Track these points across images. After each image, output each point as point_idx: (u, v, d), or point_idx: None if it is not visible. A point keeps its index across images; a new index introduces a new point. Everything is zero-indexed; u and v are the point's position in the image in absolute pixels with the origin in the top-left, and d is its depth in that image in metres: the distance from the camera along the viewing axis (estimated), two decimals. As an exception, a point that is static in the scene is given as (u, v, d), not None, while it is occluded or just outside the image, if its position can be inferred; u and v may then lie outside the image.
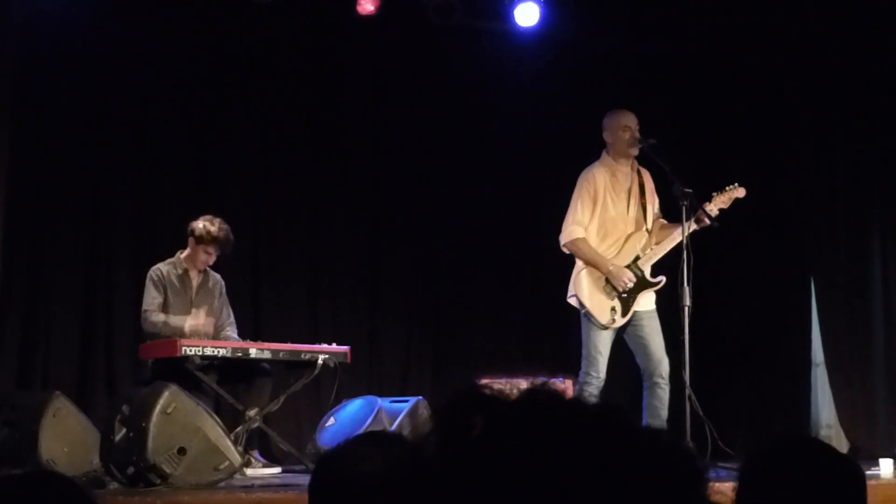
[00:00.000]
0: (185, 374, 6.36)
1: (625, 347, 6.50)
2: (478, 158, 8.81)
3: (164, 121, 8.13)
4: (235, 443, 5.93)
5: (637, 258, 6.51)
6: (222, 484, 5.50)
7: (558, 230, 6.54)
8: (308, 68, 8.49)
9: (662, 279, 6.52)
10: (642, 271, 6.50)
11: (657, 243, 6.56)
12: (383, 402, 7.24)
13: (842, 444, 7.69)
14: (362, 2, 8.08)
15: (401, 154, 8.79)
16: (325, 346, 6.97)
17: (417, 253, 8.90)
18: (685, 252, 6.28)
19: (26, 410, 6.28)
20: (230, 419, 6.52)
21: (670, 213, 6.59)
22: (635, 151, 6.49)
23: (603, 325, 6.38)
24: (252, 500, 5.05)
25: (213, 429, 5.53)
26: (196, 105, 8.25)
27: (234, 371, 6.91)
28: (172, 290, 6.98)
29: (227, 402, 6.81)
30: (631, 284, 6.41)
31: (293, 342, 6.93)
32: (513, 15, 8.32)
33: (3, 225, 7.15)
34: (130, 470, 5.35)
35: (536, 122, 9.00)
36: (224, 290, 7.26)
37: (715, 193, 6.50)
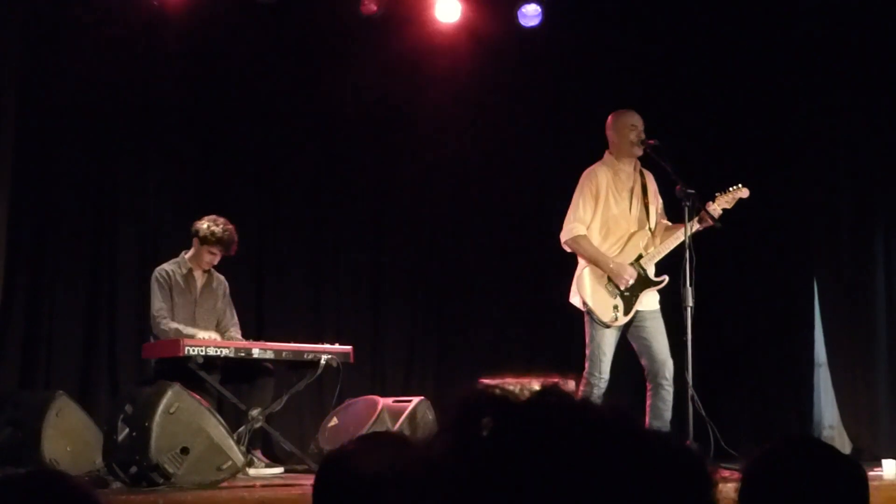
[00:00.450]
0: (188, 373, 6.36)
1: (627, 348, 6.49)
2: (481, 158, 8.81)
3: (167, 121, 8.14)
4: (238, 443, 5.93)
5: (640, 257, 6.50)
6: (225, 484, 5.51)
7: (560, 230, 6.54)
8: (311, 68, 8.49)
9: (665, 278, 6.52)
10: (645, 270, 6.49)
11: (660, 243, 6.55)
12: (386, 402, 7.24)
13: (844, 445, 7.69)
14: (366, 2, 8.09)
15: (404, 154, 8.79)
16: (327, 346, 6.98)
17: (420, 253, 8.91)
18: (688, 253, 6.28)
19: (29, 410, 6.29)
20: (233, 419, 6.52)
21: (673, 213, 6.59)
22: (639, 151, 6.49)
23: (605, 324, 6.37)
24: (254, 500, 5.05)
25: (216, 428, 5.53)
26: (199, 105, 8.26)
27: (237, 371, 6.91)
28: (177, 291, 6.99)
29: (229, 402, 6.81)
30: (632, 281, 6.41)
31: (296, 342, 6.94)
32: (515, 15, 8.32)
33: (6, 224, 7.16)
34: (133, 469, 5.35)
35: (539, 122, 9.00)
36: (228, 291, 7.27)
37: (718, 193, 6.49)
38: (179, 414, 5.43)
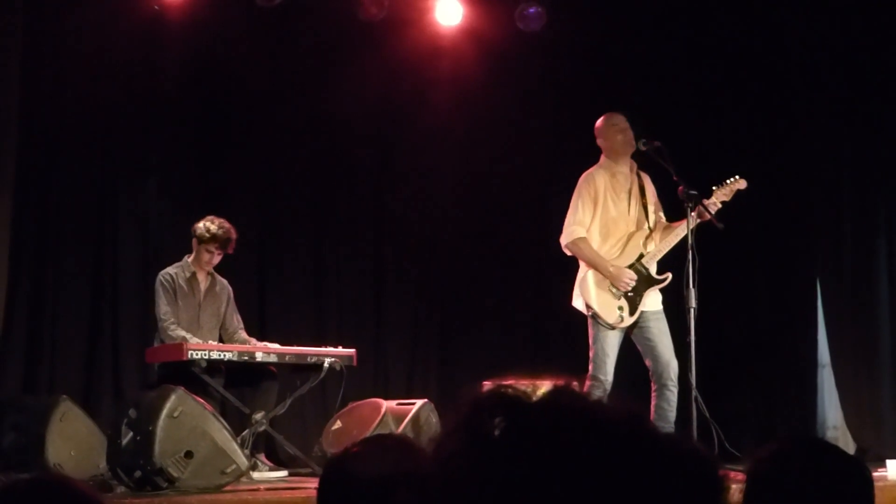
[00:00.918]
0: (192, 377, 6.37)
1: (631, 350, 6.48)
2: (483, 161, 8.81)
3: (169, 124, 8.14)
4: (242, 446, 5.93)
5: (641, 256, 6.50)
6: (229, 487, 5.51)
7: (561, 232, 6.53)
8: (313, 71, 8.49)
9: (668, 276, 6.50)
10: (647, 269, 6.48)
11: (660, 241, 6.54)
12: (389, 405, 7.24)
13: (848, 446, 7.68)
14: (367, 5, 8.09)
15: (406, 156, 8.79)
16: (331, 350, 6.98)
17: (423, 255, 8.90)
18: (690, 253, 6.27)
19: (33, 414, 6.30)
20: (236, 422, 6.52)
21: (675, 215, 6.58)
22: (631, 149, 6.49)
23: (611, 325, 6.36)
24: (258, 504, 5.06)
25: (220, 432, 5.54)
26: (202, 109, 8.27)
27: (241, 374, 6.92)
28: (181, 294, 6.99)
29: (233, 406, 6.82)
30: (633, 284, 6.40)
31: (299, 345, 6.94)
32: (516, 17, 8.32)
33: (10, 228, 7.17)
34: (137, 473, 5.35)
35: (540, 124, 8.99)
36: (232, 296, 7.27)
37: (715, 187, 6.49)
38: (183, 418, 5.43)
